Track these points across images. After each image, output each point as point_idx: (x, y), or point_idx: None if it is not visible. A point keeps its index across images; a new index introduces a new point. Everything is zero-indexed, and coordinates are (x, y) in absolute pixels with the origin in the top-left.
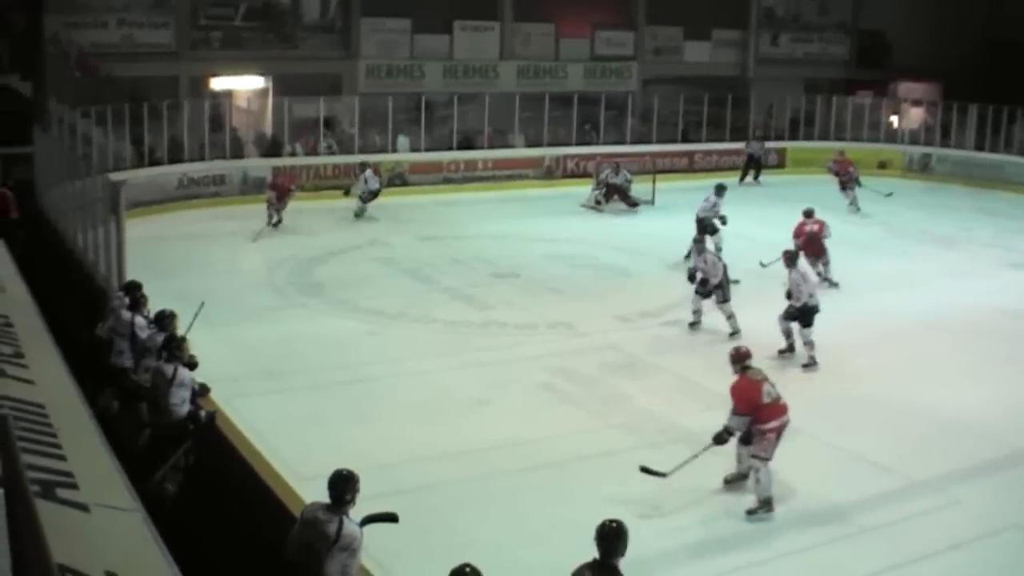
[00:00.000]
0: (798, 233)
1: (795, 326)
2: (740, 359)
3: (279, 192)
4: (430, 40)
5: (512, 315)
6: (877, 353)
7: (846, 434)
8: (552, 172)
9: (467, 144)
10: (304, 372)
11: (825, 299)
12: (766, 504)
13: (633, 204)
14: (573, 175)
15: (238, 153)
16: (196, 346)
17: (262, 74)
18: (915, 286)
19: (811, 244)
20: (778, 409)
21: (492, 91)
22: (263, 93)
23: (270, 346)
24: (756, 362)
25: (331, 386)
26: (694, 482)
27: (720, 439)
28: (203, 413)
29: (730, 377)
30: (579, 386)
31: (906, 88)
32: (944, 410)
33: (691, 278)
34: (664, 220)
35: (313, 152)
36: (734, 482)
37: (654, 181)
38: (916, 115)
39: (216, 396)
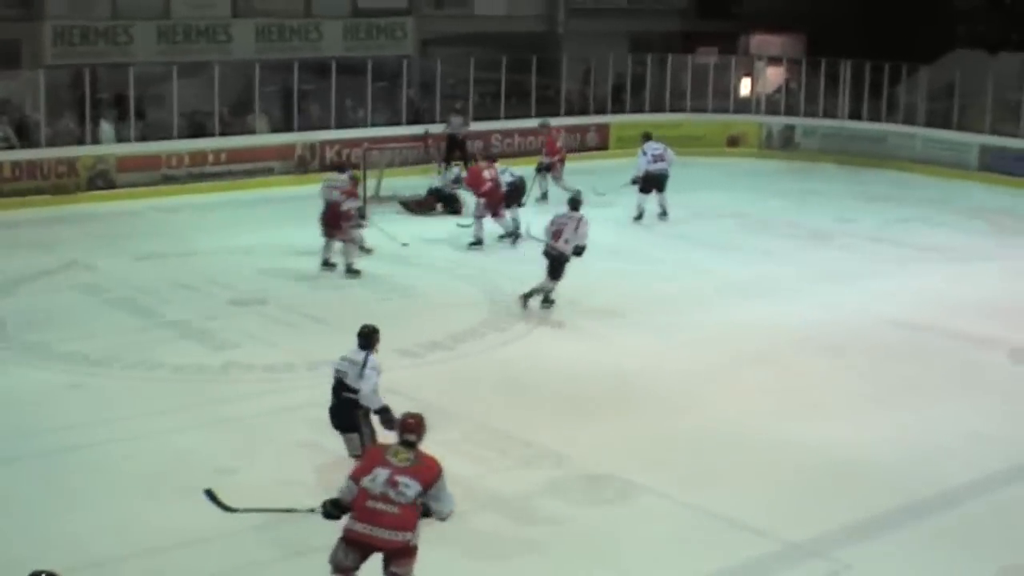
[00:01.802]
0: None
1: None
2: (402, 430)
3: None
4: None
5: (260, 354)
6: (737, 381)
7: (701, 488)
8: (306, 163)
9: (193, 130)
10: None
11: (668, 312)
12: None
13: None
14: (334, 167)
15: None
16: None
17: None
18: (783, 294)
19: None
20: (363, 511)
21: (224, 59)
22: None
23: None
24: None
25: (22, 460)
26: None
27: (325, 512)
28: None
29: (548, 425)
30: None
31: (760, 43)
32: (827, 452)
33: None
34: (453, 221)
35: None
36: None
37: (439, 171)
38: (774, 77)
39: None
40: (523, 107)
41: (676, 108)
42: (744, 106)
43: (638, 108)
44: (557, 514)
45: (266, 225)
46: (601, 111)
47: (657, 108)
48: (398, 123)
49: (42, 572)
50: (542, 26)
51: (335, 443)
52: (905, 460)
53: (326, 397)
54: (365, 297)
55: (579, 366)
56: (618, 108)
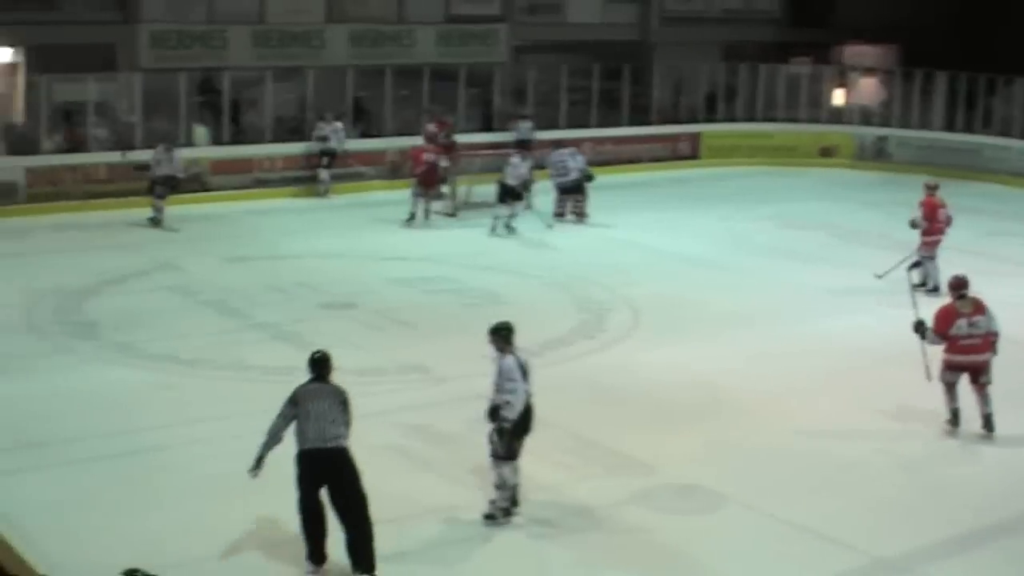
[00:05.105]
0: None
1: None
2: (954, 287)
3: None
4: None
5: (350, 357)
6: (825, 396)
7: (788, 501)
8: (398, 170)
9: (285, 135)
10: (73, 441)
11: (757, 323)
12: None
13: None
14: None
15: None
16: None
17: (11, 44)
18: (877, 307)
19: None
20: (959, 348)
21: (317, 64)
22: (13, 69)
23: (27, 407)
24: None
25: (110, 459)
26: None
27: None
28: None
29: (636, 434)
30: (441, 448)
31: (854, 53)
32: (916, 467)
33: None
34: (543, 229)
35: (81, 147)
36: None
37: (531, 179)
38: (868, 87)
39: None
40: (614, 115)
41: (768, 118)
42: (837, 116)
43: (730, 117)
44: (644, 523)
45: (357, 230)
46: (692, 120)
47: (749, 117)
48: (490, 129)
49: (137, 571)
50: (635, 35)
51: (422, 447)
52: (1001, 478)
53: (417, 401)
54: (453, 303)
55: (667, 376)
56: (710, 117)
